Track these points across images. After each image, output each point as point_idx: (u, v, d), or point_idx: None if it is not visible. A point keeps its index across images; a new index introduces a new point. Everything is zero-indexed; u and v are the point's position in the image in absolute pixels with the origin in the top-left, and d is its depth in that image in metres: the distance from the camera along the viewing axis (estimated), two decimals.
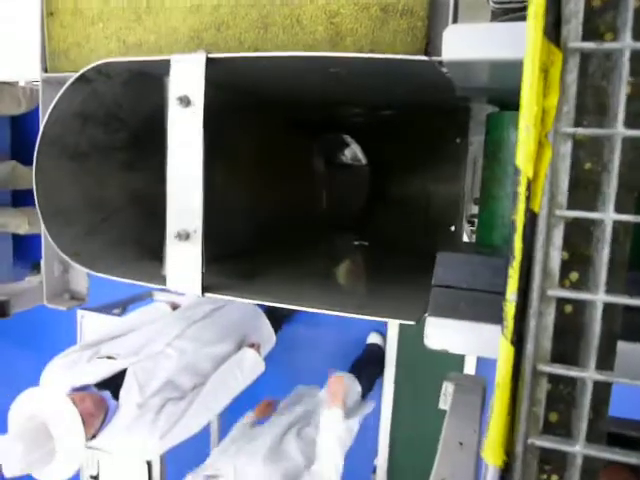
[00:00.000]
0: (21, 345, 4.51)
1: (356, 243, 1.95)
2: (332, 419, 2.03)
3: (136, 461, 2.78)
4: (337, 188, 2.12)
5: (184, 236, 1.12)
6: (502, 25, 0.89)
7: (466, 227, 1.80)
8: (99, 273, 1.33)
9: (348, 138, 2.14)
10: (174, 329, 2.09)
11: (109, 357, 1.91)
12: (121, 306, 3.23)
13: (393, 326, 3.34)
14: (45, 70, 1.81)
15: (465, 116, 1.51)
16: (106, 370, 1.86)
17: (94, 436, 1.78)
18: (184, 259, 1.14)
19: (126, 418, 1.78)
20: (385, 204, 1.95)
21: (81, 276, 2.04)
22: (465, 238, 1.78)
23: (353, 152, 2.17)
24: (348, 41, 1.42)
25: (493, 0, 1.19)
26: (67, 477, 1.71)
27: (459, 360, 3.14)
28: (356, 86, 1.42)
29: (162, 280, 1.19)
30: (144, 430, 1.80)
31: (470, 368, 3.11)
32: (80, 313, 3.03)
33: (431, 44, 1.35)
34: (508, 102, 1.27)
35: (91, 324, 3.00)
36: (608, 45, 0.59)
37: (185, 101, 1.09)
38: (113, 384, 1.84)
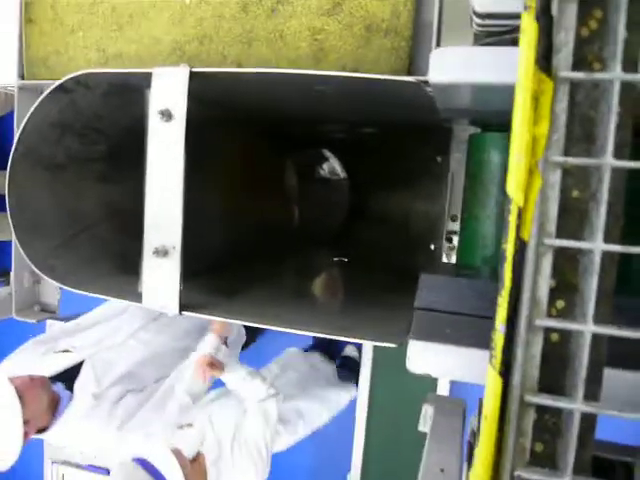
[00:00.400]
0: None
1: (336, 259, 1.93)
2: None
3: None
4: (318, 204, 2.11)
5: (162, 252, 1.09)
6: (488, 49, 0.90)
7: (444, 244, 1.80)
8: (72, 288, 1.29)
9: (331, 155, 2.14)
10: (137, 322, 2.02)
11: (65, 351, 1.84)
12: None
13: (368, 345, 3.32)
14: (22, 77, 1.77)
15: (446, 135, 1.52)
16: (60, 363, 1.78)
17: (46, 429, 1.70)
18: (162, 276, 1.11)
19: (80, 408, 1.71)
20: (366, 221, 1.95)
21: (52, 288, 1.99)
22: (444, 256, 1.78)
23: (332, 167, 2.16)
24: (331, 58, 1.41)
25: (476, 23, 1.19)
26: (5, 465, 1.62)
27: (433, 379, 3.14)
28: (339, 103, 1.42)
29: (138, 297, 1.15)
30: (100, 419, 1.73)
31: (443, 387, 3.10)
32: (49, 323, 2.94)
33: (414, 64, 1.36)
34: (490, 123, 1.27)
35: None
36: (598, 75, 0.59)
37: (167, 115, 1.07)
38: (69, 377, 1.78)
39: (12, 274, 1.83)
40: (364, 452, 3.41)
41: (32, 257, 1.29)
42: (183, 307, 1.13)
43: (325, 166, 2.18)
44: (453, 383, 3.11)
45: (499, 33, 1.22)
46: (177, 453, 1.58)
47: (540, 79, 0.59)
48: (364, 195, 1.97)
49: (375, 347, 3.35)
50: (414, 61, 1.37)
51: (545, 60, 0.59)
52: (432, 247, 1.62)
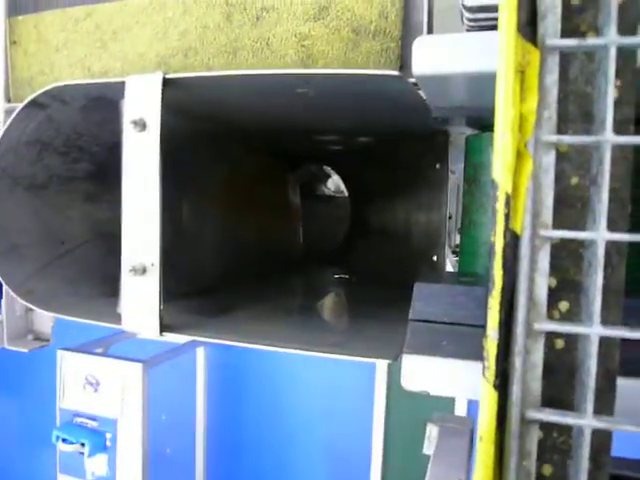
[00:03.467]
0: None
1: (336, 276, 1.86)
2: None
3: None
4: (316, 219, 2.05)
5: (140, 270, 1.03)
6: (475, 35, 0.83)
7: (451, 257, 1.72)
8: (54, 312, 1.23)
9: (327, 168, 2.08)
10: None
11: None
12: (104, 345, 3.09)
13: (382, 362, 3.22)
14: (8, 100, 1.74)
15: (444, 140, 1.45)
16: None
17: None
18: (140, 295, 1.04)
19: None
20: (365, 234, 1.87)
21: (46, 316, 1.93)
22: (450, 269, 1.70)
23: (333, 183, 2.10)
24: (320, 64, 1.36)
25: (467, 17, 1.13)
26: None
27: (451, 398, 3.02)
28: (329, 111, 1.36)
29: (117, 319, 1.09)
30: None
31: (461, 407, 2.99)
32: (60, 354, 2.90)
33: (405, 66, 1.30)
34: (487, 123, 1.20)
35: (72, 364, 2.86)
36: (591, 42, 0.52)
37: (140, 124, 1.01)
38: None
39: (3, 302, 1.78)
40: (382, 473, 3.30)
41: (11, 282, 1.23)
42: (164, 328, 1.06)
43: (324, 182, 2.12)
44: (471, 402, 2.99)
45: (492, 27, 1.16)
46: None
47: (525, 49, 0.52)
48: (363, 208, 1.90)
49: (390, 366, 3.25)
50: (405, 63, 1.31)
51: (529, 27, 0.52)
52: (434, 258, 1.54)
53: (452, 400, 2.97)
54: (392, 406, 3.33)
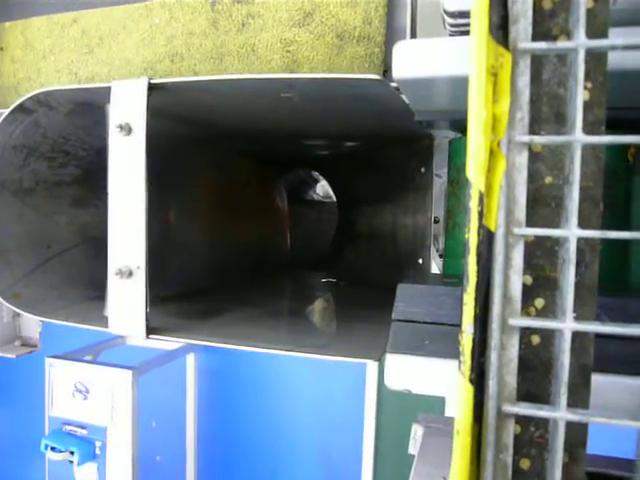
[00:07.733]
0: None
1: (324, 280, 1.87)
2: None
3: None
4: (304, 224, 2.06)
5: (126, 273, 1.03)
6: (454, 39, 0.85)
7: (438, 261, 1.73)
8: (40, 316, 1.23)
9: (315, 173, 2.09)
10: None
11: None
12: (93, 352, 3.08)
13: (372, 365, 3.23)
14: None
15: (428, 144, 1.47)
16: None
17: None
18: (127, 298, 1.05)
19: None
20: (353, 238, 1.89)
21: (33, 321, 1.93)
22: (437, 272, 1.71)
23: (321, 188, 2.11)
24: (305, 69, 1.38)
25: (449, 23, 1.15)
26: None
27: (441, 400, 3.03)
28: (315, 115, 1.37)
29: (104, 322, 1.09)
30: None
31: (451, 408, 2.99)
32: (48, 361, 2.88)
33: (389, 70, 1.32)
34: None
35: (61, 372, 2.84)
36: (561, 45, 0.54)
37: (126, 129, 1.02)
38: None
39: None
40: (373, 476, 3.30)
41: None
42: (151, 330, 1.06)
43: (315, 188, 2.13)
44: None
45: None
46: None
47: (497, 52, 0.54)
48: (350, 212, 1.91)
49: (380, 370, 3.26)
50: (389, 68, 1.33)
51: (501, 30, 0.53)
52: (420, 261, 1.56)
53: (442, 401, 2.98)
54: (383, 410, 3.33)
